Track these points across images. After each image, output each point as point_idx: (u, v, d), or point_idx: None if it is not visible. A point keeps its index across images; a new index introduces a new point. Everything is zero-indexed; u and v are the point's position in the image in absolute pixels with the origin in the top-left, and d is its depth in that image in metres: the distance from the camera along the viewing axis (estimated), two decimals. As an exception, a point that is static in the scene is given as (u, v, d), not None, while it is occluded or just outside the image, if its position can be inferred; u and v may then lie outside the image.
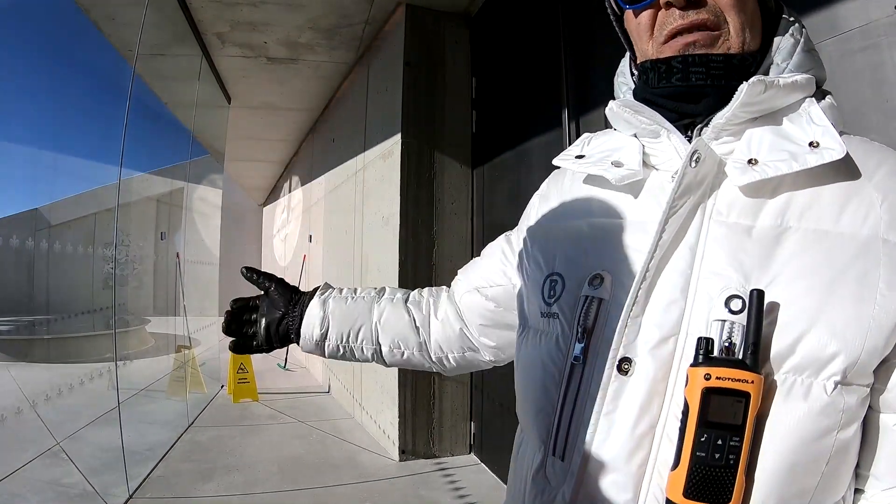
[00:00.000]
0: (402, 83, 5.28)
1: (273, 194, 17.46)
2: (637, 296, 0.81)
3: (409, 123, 5.22)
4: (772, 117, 0.83)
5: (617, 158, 0.95)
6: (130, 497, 4.50)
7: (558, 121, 3.92)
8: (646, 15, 0.91)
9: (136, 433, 5.81)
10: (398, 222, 5.13)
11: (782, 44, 0.88)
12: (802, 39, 0.88)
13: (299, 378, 9.26)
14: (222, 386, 8.29)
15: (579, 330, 0.88)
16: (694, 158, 0.81)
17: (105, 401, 6.42)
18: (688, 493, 0.70)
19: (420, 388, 5.20)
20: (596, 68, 3.68)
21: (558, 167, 1.12)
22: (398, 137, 5.23)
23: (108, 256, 13.71)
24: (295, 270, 11.25)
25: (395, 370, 5.16)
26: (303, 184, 11.25)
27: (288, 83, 7.94)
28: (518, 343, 1.10)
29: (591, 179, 1.02)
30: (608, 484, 0.79)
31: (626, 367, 0.80)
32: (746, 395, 0.69)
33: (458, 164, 5.37)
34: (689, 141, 0.88)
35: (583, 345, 0.87)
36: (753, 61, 0.87)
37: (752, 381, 0.69)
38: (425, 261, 5.22)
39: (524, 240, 1.16)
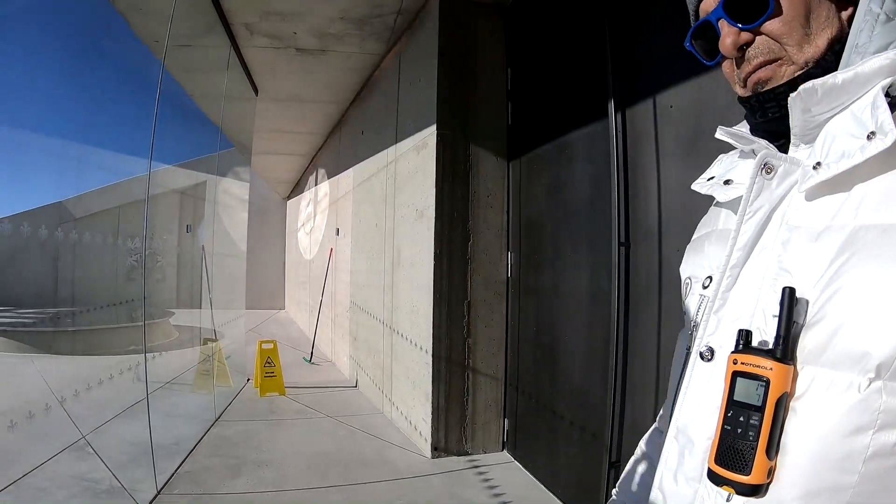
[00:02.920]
0: (437, 74, 5.18)
1: (297, 187, 17.46)
2: (717, 294, 0.92)
3: (444, 115, 5.13)
4: (848, 111, 0.83)
5: (729, 177, 1.06)
6: (158, 493, 4.45)
7: (603, 112, 3.79)
8: (726, 64, 1.00)
9: (162, 427, 5.78)
10: (433, 215, 5.04)
11: (857, 23, 0.85)
12: (883, 10, 0.84)
13: (325, 372, 9.22)
14: (248, 379, 8.27)
15: (692, 325, 1.00)
16: (764, 168, 0.89)
17: (130, 394, 6.41)
18: (717, 461, 0.81)
19: (454, 384, 5.12)
20: (643, 56, 3.56)
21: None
22: (433, 129, 5.13)
23: (131, 249, 13.85)
24: (321, 264, 11.21)
25: (428, 365, 5.08)
26: (329, 177, 11.21)
27: (316, 75, 7.87)
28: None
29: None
30: (686, 454, 0.91)
31: (707, 355, 0.91)
32: (766, 381, 0.77)
33: (493, 156, 5.26)
34: None
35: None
36: (830, 62, 0.88)
37: (772, 369, 0.76)
38: (460, 254, 5.13)
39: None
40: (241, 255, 11.33)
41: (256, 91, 8.56)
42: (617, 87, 3.69)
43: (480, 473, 4.88)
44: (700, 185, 1.14)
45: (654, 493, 0.98)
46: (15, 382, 8.13)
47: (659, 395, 3.27)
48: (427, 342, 5.12)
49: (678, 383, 0.99)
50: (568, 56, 4.46)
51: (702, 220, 1.24)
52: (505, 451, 5.29)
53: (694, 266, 1.11)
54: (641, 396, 3.44)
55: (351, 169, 8.85)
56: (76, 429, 5.69)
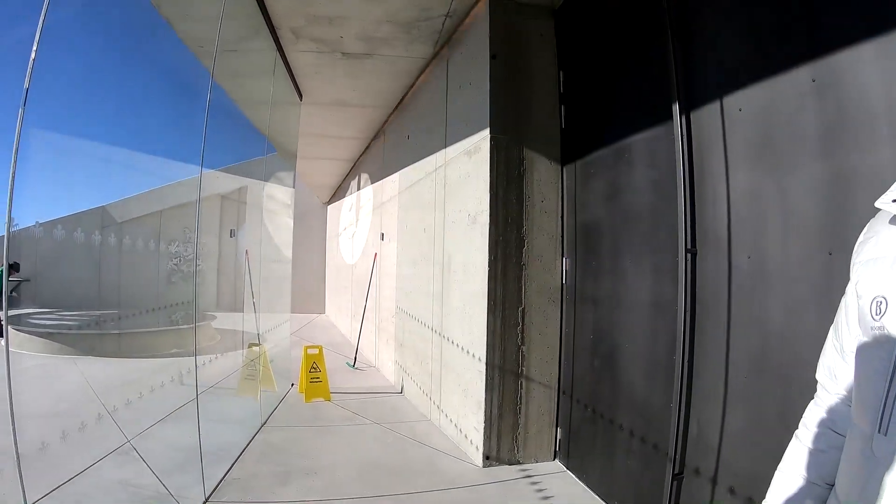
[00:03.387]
0: (489, 77, 5.13)
1: (338, 192, 17.56)
2: None
3: (497, 118, 5.08)
4: None
5: None
6: (206, 500, 4.44)
7: (666, 114, 3.70)
8: None
9: (208, 432, 5.79)
10: (487, 220, 4.99)
11: None
12: None
13: (369, 377, 9.21)
14: (293, 384, 8.29)
15: None
16: None
17: (175, 397, 6.45)
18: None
19: (507, 392, 5.05)
20: (709, 57, 3.46)
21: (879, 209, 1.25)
22: (486, 133, 5.08)
23: (172, 253, 14.01)
24: (364, 269, 11.22)
25: (481, 373, 5.02)
26: (373, 181, 11.23)
27: (361, 79, 7.89)
28: (855, 355, 1.28)
29: None
30: None
31: None
32: None
33: (547, 160, 5.19)
34: None
35: None
36: None
37: None
38: (515, 260, 5.07)
39: (853, 268, 1.32)
40: (286, 260, 11.37)
41: (301, 95, 8.60)
42: (681, 88, 3.60)
43: (534, 483, 4.80)
44: (884, 204, 1.20)
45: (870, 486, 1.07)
46: (57, 384, 8.27)
47: (728, 406, 3.17)
48: (480, 350, 5.07)
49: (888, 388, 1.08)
50: (626, 57, 4.38)
51: (869, 238, 1.29)
52: (557, 460, 5.21)
53: (884, 285, 1.16)
54: (708, 408, 3.33)
55: (396, 174, 8.84)
56: (121, 432, 5.73)
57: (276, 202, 11.86)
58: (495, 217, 5.01)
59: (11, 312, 11.80)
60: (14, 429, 2.62)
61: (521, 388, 5.09)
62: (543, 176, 5.18)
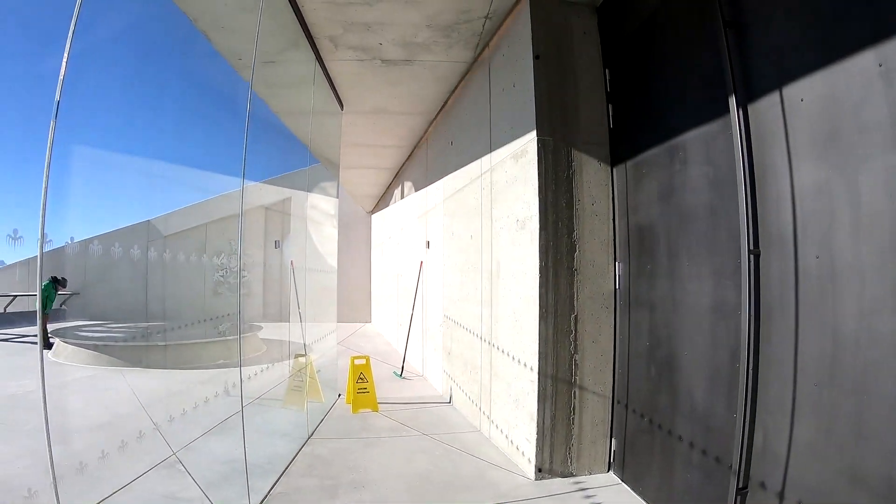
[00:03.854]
0: (533, 77, 5.03)
1: (382, 201, 17.65)
2: None
3: (543, 120, 4.97)
4: None
5: None
6: (252, 515, 4.41)
7: (722, 108, 3.56)
8: None
9: (254, 444, 5.78)
10: (537, 226, 4.88)
11: None
12: None
13: (417, 387, 9.14)
14: (339, 395, 8.26)
15: None
16: None
17: (221, 409, 6.46)
18: None
19: (560, 402, 4.92)
20: (765, 45, 3.31)
21: None
22: (532, 135, 4.98)
23: (218, 265, 14.30)
24: (410, 277, 11.18)
25: (532, 382, 4.90)
26: (417, 189, 11.20)
27: (402, 86, 7.87)
28: None
29: None
30: None
31: None
32: None
33: (596, 161, 5.06)
34: None
35: None
36: None
37: None
38: (566, 265, 4.94)
39: None
40: (331, 270, 11.41)
41: (342, 105, 8.60)
42: (737, 81, 3.46)
43: (588, 497, 4.66)
44: None
45: None
46: (105, 396, 8.38)
47: (796, 416, 3.01)
48: (532, 358, 4.95)
49: None
50: (675, 50, 4.25)
51: None
52: (611, 472, 5.06)
53: None
54: (775, 418, 3.18)
55: (440, 181, 8.78)
56: (166, 445, 5.76)
57: (319, 212, 11.92)
58: (545, 221, 4.89)
59: (60, 325, 12.17)
60: (49, 442, 2.59)
61: (575, 397, 4.95)
62: (593, 178, 5.04)
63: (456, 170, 7.75)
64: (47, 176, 2.38)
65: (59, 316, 13.28)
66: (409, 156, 12.14)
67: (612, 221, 5.05)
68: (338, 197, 12.09)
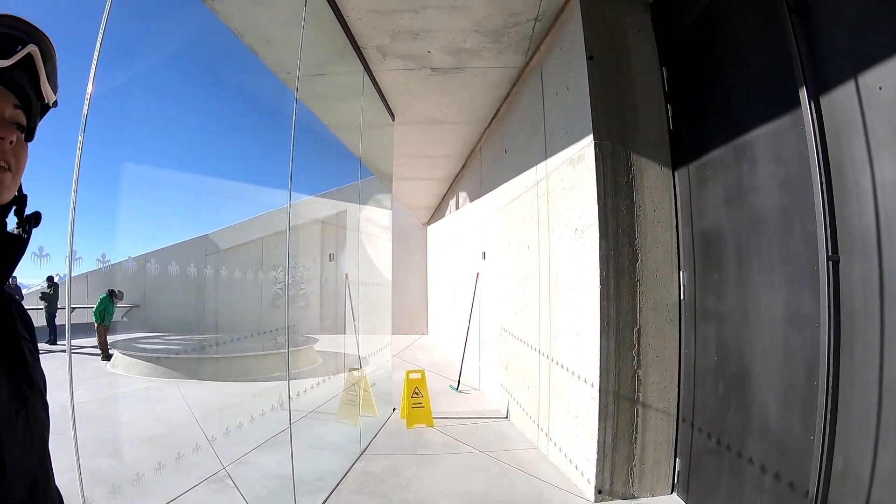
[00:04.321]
0: (588, 80, 4.85)
1: (437, 212, 17.62)
2: None
3: (600, 123, 4.78)
4: None
5: None
6: (299, 534, 4.32)
7: (792, 101, 3.32)
8: None
9: (305, 460, 5.71)
10: (597, 234, 4.68)
11: None
12: None
13: (473, 401, 8.97)
14: (394, 409, 8.16)
15: None
16: None
17: (274, 423, 6.42)
18: None
19: (622, 420, 4.69)
20: (835, 30, 3.08)
21: None
22: (589, 139, 4.79)
23: (275, 278, 14.51)
24: (466, 289, 11.04)
25: (593, 399, 4.68)
26: (471, 200, 11.07)
27: (452, 95, 7.77)
28: None
29: None
30: None
31: None
32: None
33: (656, 165, 4.83)
34: None
35: None
36: None
37: None
38: (628, 276, 4.72)
39: None
40: (386, 283, 11.37)
41: (393, 116, 8.54)
42: (807, 71, 3.22)
43: (653, 521, 4.42)
44: None
45: None
46: (160, 407, 8.46)
47: (881, 438, 2.74)
48: (593, 374, 4.74)
49: None
50: (736, 43, 4.03)
51: None
52: (675, 494, 4.78)
53: None
54: (857, 440, 2.91)
55: (495, 190, 8.63)
56: (218, 458, 5.72)
57: (373, 224, 11.94)
58: (605, 230, 4.69)
59: (120, 337, 12.50)
60: (77, 448, 2.53)
61: (637, 415, 4.71)
62: (654, 183, 4.81)
63: (511, 178, 7.59)
64: (75, 191, 2.34)
65: (121, 328, 13.65)
66: (463, 166, 12.05)
67: (675, 228, 4.80)
68: (391, 209, 12.10)
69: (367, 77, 6.94)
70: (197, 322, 13.35)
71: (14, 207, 1.10)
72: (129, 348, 11.39)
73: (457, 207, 13.23)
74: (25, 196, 1.13)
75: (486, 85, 7.40)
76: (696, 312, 4.55)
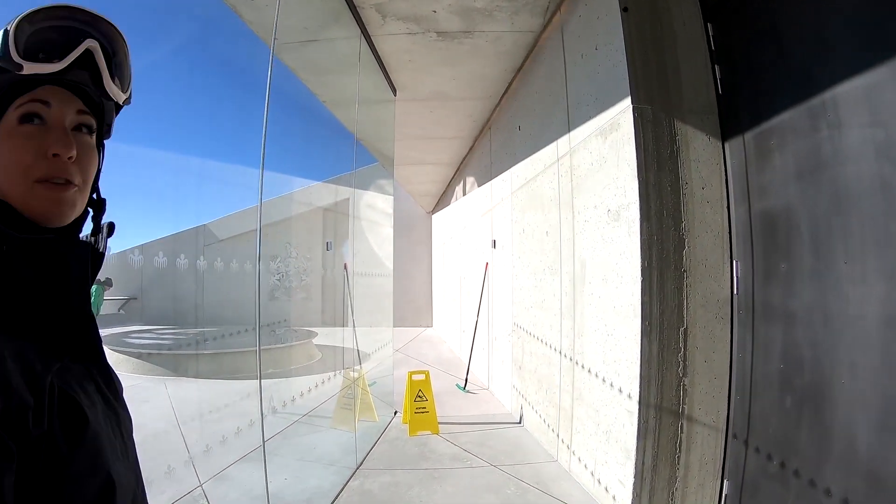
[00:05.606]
0: (623, 34, 4.13)
1: (443, 199, 17.04)
2: None
3: (638, 85, 4.05)
4: None
5: None
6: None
7: (890, 46, 2.60)
8: None
9: (294, 476, 5.09)
10: (637, 215, 3.93)
11: None
12: None
13: (482, 402, 8.31)
14: (396, 412, 7.51)
15: None
16: None
17: (261, 430, 5.85)
18: None
19: (665, 437, 3.96)
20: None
21: None
22: (626, 104, 4.06)
23: (273, 269, 14.16)
24: (474, 280, 10.38)
25: (631, 413, 3.98)
26: (479, 184, 10.38)
27: (461, 66, 7.05)
28: None
29: None
30: None
31: None
32: None
33: (704, 135, 4.09)
34: None
35: None
36: None
37: None
38: (674, 265, 3.97)
39: None
40: (388, 273, 10.79)
41: (394, 90, 7.83)
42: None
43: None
44: None
45: None
46: (144, 409, 7.83)
47: None
48: (630, 383, 4.02)
49: None
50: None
51: None
52: (722, 521, 4.08)
53: None
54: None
55: (507, 171, 7.92)
56: (195, 474, 5.12)
57: (374, 212, 11.41)
58: (647, 210, 3.94)
59: (111, 331, 12.09)
60: None
61: (682, 431, 3.99)
62: (701, 155, 4.07)
63: (525, 158, 6.87)
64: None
65: (113, 321, 13.32)
66: (471, 148, 11.35)
67: (726, 209, 4.05)
68: (393, 195, 11.54)
69: (364, 43, 6.23)
70: (193, 314, 13.04)
71: (91, 213, 1.09)
72: (117, 343, 10.88)
73: (464, 194, 12.55)
74: (103, 201, 1.12)
75: (498, 53, 6.69)
76: (755, 310, 3.82)
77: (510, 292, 7.69)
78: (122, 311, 13.86)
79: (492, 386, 9.00)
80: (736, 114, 4.02)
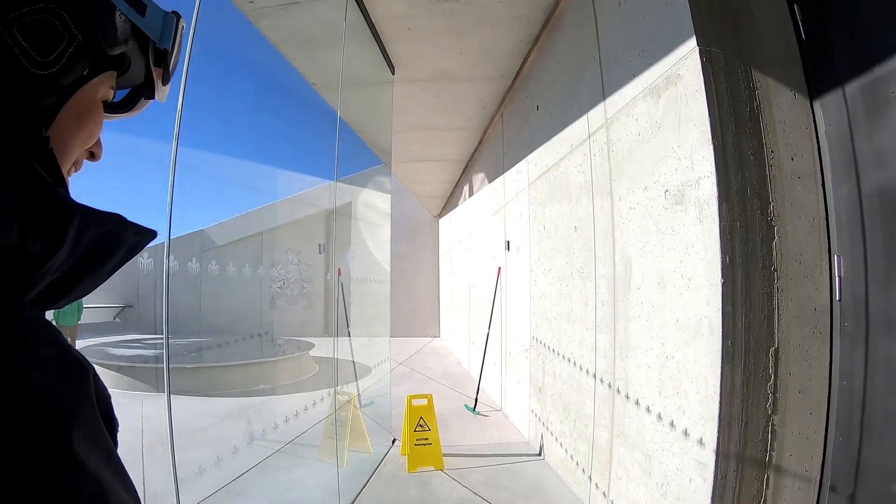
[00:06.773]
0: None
1: (450, 202, 16.38)
2: None
3: (703, 21, 3.10)
4: None
5: None
6: None
7: None
8: None
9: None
10: (713, 193, 2.92)
11: None
12: None
13: (494, 427, 7.39)
14: (394, 440, 6.60)
15: None
16: None
17: (237, 459, 4.97)
18: None
19: (745, 494, 2.95)
20: None
21: None
22: (690, 47, 3.10)
23: (274, 276, 13.66)
24: (485, 287, 9.48)
25: (704, 465, 3.00)
26: (490, 181, 9.49)
27: (469, 35, 6.17)
28: None
29: None
30: None
31: None
32: None
33: (788, 90, 3.12)
34: None
35: None
36: None
37: None
38: (762, 262, 2.95)
39: None
40: (385, 279, 9.98)
41: (392, 69, 6.92)
42: None
43: None
44: None
45: None
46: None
47: None
48: (703, 425, 3.01)
49: None
50: None
51: None
52: None
53: None
54: None
55: (523, 161, 6.97)
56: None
57: (371, 210, 10.75)
58: (726, 187, 2.92)
59: (107, 339, 11.66)
60: None
61: (767, 486, 3.00)
62: (787, 117, 3.08)
63: (546, 141, 5.92)
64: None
65: (106, 329, 13.00)
66: (480, 141, 10.48)
67: (821, 188, 3.09)
68: (389, 192, 10.92)
69: (354, 4, 5.35)
70: (188, 323, 12.55)
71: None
72: (98, 356, 10.17)
73: (472, 193, 11.69)
74: None
75: (512, 18, 5.78)
76: (869, 321, 2.85)
77: (528, 301, 6.73)
78: (117, 320, 13.66)
79: (505, 407, 8.07)
80: (829, 63, 3.07)
